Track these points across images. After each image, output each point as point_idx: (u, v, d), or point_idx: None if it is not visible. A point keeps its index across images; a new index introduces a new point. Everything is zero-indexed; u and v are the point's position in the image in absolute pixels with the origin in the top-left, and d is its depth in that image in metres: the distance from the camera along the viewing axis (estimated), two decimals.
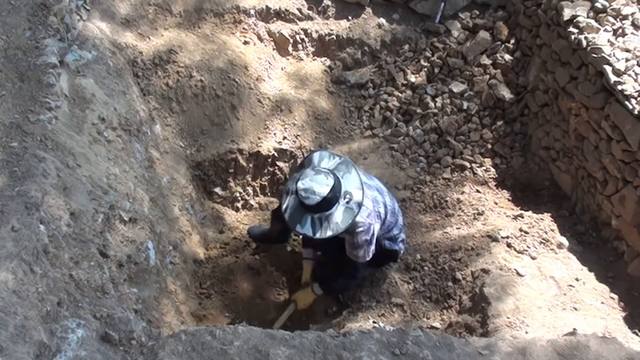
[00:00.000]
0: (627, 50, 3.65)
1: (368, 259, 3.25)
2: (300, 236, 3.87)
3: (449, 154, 4.35)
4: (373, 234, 3.19)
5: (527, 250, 3.46)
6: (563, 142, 4.12)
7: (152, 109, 3.91)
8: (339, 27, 4.81)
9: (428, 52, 4.77)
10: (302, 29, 4.72)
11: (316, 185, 2.92)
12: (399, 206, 3.63)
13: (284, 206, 3.12)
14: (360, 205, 3.03)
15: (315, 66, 4.74)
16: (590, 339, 2.34)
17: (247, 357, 2.02)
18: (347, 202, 3.02)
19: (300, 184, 2.97)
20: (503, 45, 4.63)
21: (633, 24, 3.83)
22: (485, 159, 4.35)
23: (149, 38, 4.12)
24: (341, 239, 3.24)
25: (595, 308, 3.17)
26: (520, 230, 3.59)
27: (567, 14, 3.98)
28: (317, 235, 3.05)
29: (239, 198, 4.19)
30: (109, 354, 1.96)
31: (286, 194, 3.13)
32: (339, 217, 3.01)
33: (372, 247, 3.22)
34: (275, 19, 4.66)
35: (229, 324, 3.27)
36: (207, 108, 4.09)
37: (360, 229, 3.09)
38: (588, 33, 3.82)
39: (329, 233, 3.01)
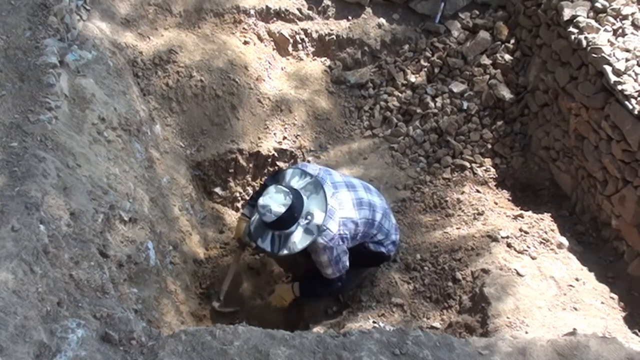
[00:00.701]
0: (627, 50, 3.65)
1: (340, 273, 3.28)
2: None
3: (449, 154, 4.35)
4: (338, 254, 3.20)
5: (527, 250, 3.46)
6: (563, 142, 4.12)
7: (152, 109, 3.91)
8: (339, 27, 4.81)
9: (428, 52, 4.77)
10: (302, 29, 4.72)
11: (273, 203, 2.99)
12: (388, 208, 3.56)
13: (251, 220, 3.22)
14: (319, 227, 3.06)
15: (315, 66, 4.74)
16: (590, 339, 2.34)
17: (247, 357, 2.02)
18: (308, 223, 3.06)
19: (260, 200, 3.05)
20: (503, 45, 4.63)
21: (633, 24, 3.83)
22: (485, 159, 4.35)
23: (149, 38, 4.12)
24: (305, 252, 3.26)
25: (595, 308, 3.17)
26: (520, 230, 3.59)
27: (567, 14, 3.98)
28: (275, 252, 3.13)
29: (239, 198, 4.19)
30: (109, 354, 1.96)
31: (255, 207, 3.17)
32: (297, 237, 3.06)
33: (341, 264, 3.24)
34: (275, 19, 4.67)
35: (229, 324, 3.28)
36: (207, 108, 4.09)
37: (325, 250, 3.13)
38: (588, 33, 3.82)
39: (285, 252, 3.08)
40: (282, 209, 2.98)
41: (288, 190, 3.05)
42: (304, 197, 3.10)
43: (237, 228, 3.54)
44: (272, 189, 3.08)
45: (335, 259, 3.19)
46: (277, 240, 3.09)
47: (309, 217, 3.06)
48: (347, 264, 3.28)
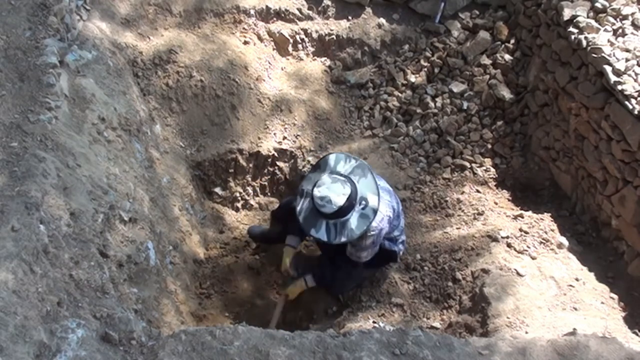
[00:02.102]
0: (627, 50, 3.65)
1: (367, 259, 3.27)
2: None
3: (449, 154, 4.35)
4: (380, 238, 3.19)
5: (527, 250, 3.46)
6: (563, 142, 4.12)
7: (152, 109, 3.91)
8: (339, 27, 4.81)
9: (428, 52, 4.77)
10: (302, 29, 4.72)
11: (333, 194, 2.91)
12: (401, 209, 3.61)
13: (298, 208, 3.10)
14: (375, 211, 3.00)
15: (315, 66, 4.74)
16: (590, 339, 2.34)
17: (247, 357, 2.02)
18: (363, 208, 2.99)
19: (316, 192, 2.95)
20: (503, 45, 4.63)
21: (633, 24, 3.83)
22: (485, 159, 4.35)
23: (149, 38, 4.12)
24: None
25: (595, 308, 3.17)
26: (520, 230, 3.59)
27: (567, 14, 3.98)
28: (332, 241, 3.03)
29: (239, 198, 4.19)
30: (109, 354, 1.96)
31: (300, 196, 3.10)
32: (354, 223, 2.99)
33: (376, 248, 3.23)
34: (275, 19, 4.67)
35: (229, 324, 3.28)
36: (207, 108, 4.09)
37: (372, 232, 3.08)
38: (588, 33, 3.82)
39: (343, 239, 3.01)
40: (343, 199, 2.91)
41: (344, 179, 2.98)
42: (355, 182, 3.03)
43: (285, 260, 3.47)
44: (327, 179, 2.98)
45: (376, 242, 3.15)
46: (332, 228, 3.00)
47: (363, 202, 2.99)
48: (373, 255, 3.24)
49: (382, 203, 3.10)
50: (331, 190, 2.92)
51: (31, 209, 2.18)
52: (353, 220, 2.99)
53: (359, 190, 3.02)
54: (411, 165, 4.34)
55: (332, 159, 3.17)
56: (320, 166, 3.19)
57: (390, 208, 3.25)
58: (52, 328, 1.92)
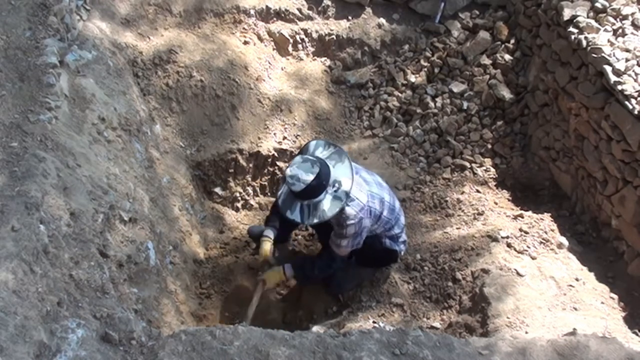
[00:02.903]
0: (627, 50, 3.65)
1: (347, 252, 3.28)
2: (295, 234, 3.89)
3: (449, 154, 4.35)
4: (362, 229, 3.20)
5: (527, 250, 3.46)
6: (563, 142, 4.12)
7: (152, 109, 3.91)
8: (339, 27, 4.81)
9: (428, 52, 4.77)
10: (302, 29, 4.72)
11: (302, 172, 3.00)
12: (400, 207, 3.62)
13: (279, 193, 3.23)
14: (347, 194, 3.06)
15: (315, 66, 4.74)
16: (590, 339, 2.34)
17: (247, 357, 2.02)
18: (336, 191, 3.07)
19: (287, 171, 3.07)
20: (503, 45, 4.63)
21: (633, 24, 3.83)
22: (485, 159, 4.35)
23: (149, 38, 4.12)
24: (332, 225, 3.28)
25: (595, 308, 3.17)
26: (520, 230, 3.59)
27: (567, 14, 3.98)
28: (305, 222, 3.14)
29: (239, 198, 4.19)
30: (109, 354, 1.96)
31: (282, 182, 3.21)
32: (326, 205, 3.07)
33: (358, 240, 3.24)
34: (275, 19, 4.67)
35: (229, 324, 3.27)
36: (207, 108, 4.09)
37: (351, 221, 3.12)
38: (588, 33, 3.82)
39: (316, 220, 3.08)
40: (311, 177, 2.98)
41: (315, 159, 3.06)
42: (330, 166, 3.11)
43: (263, 249, 3.50)
44: (298, 159, 3.09)
45: (357, 232, 3.18)
46: (306, 209, 3.09)
47: (336, 184, 3.07)
48: (362, 243, 3.27)
49: (362, 192, 3.16)
50: (300, 169, 3.01)
51: (31, 209, 2.18)
52: (326, 202, 3.06)
53: (333, 174, 3.09)
54: (411, 165, 4.34)
55: (312, 144, 3.29)
56: (302, 152, 3.30)
57: (377, 200, 3.26)
58: (52, 328, 1.92)
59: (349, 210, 3.09)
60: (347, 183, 3.08)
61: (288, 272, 3.41)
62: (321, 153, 3.20)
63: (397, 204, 3.51)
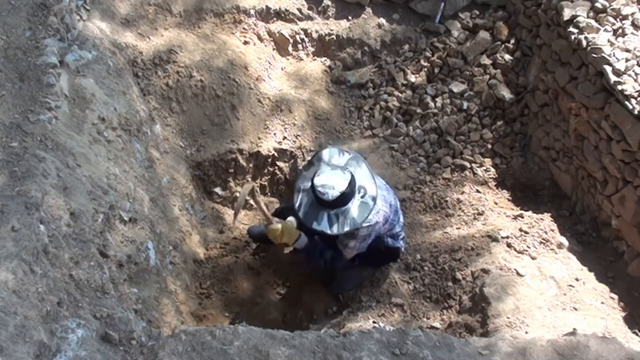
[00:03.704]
0: (627, 50, 3.65)
1: (352, 254, 3.25)
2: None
3: (449, 154, 4.35)
4: (373, 233, 3.19)
5: (527, 250, 3.46)
6: (563, 142, 4.12)
7: (152, 109, 3.91)
8: (339, 27, 4.81)
9: (428, 52, 4.77)
10: (302, 29, 4.72)
11: (334, 179, 2.93)
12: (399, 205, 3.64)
13: (296, 204, 3.10)
14: (374, 199, 3.03)
15: (315, 66, 4.74)
16: (590, 339, 2.34)
17: (247, 357, 2.02)
18: (362, 197, 3.02)
19: (317, 181, 2.96)
20: (503, 45, 4.63)
21: (633, 24, 3.83)
22: (485, 159, 4.35)
23: (149, 38, 4.12)
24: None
25: (595, 308, 3.17)
26: (520, 230, 3.59)
27: (567, 14, 3.98)
28: (335, 232, 3.03)
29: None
30: (109, 354, 1.96)
31: (297, 192, 3.11)
32: (355, 211, 3.01)
33: (364, 245, 3.23)
34: (275, 19, 4.67)
35: (229, 324, 3.27)
36: (207, 108, 4.09)
37: (367, 224, 3.08)
38: (588, 33, 3.82)
39: (347, 228, 3.00)
40: (345, 184, 2.92)
41: (343, 167, 3.00)
42: (352, 173, 3.05)
43: (289, 232, 3.23)
44: (325, 167, 3.01)
45: (367, 235, 3.15)
46: (334, 219, 3.00)
47: (362, 190, 3.02)
48: (366, 247, 3.24)
49: (379, 198, 3.12)
50: (332, 177, 2.94)
51: (31, 209, 2.18)
52: (354, 208, 3.00)
53: (357, 179, 3.05)
54: (411, 165, 4.34)
55: (325, 153, 3.19)
56: (314, 163, 3.21)
57: (387, 203, 3.26)
58: (52, 328, 1.92)
59: (371, 215, 3.06)
60: (372, 188, 3.04)
61: (300, 241, 3.25)
62: (337, 160, 3.13)
63: (398, 203, 3.52)
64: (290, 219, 3.39)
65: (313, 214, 3.03)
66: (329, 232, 3.01)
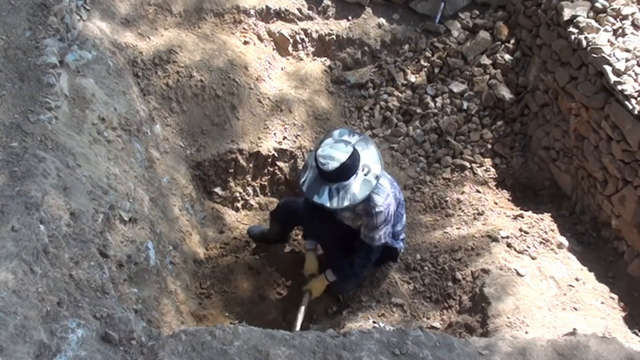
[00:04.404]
0: (627, 50, 3.65)
1: (384, 241, 3.26)
2: (301, 235, 3.89)
3: (449, 154, 4.35)
4: (391, 215, 3.20)
5: (527, 250, 3.46)
6: (563, 142, 4.12)
7: (152, 109, 3.91)
8: (339, 27, 4.81)
9: (428, 52, 4.77)
10: (302, 29, 4.72)
11: (335, 152, 2.96)
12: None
13: (302, 180, 3.13)
14: (378, 178, 3.04)
15: (315, 66, 4.74)
16: (590, 339, 2.34)
17: (247, 357, 2.02)
18: (365, 174, 3.03)
19: (319, 151, 3.00)
20: (503, 45, 4.63)
21: (633, 24, 3.83)
22: (485, 159, 4.35)
23: (149, 38, 4.12)
24: (344, 225, 3.27)
25: (595, 308, 3.17)
26: (520, 230, 3.59)
27: (567, 14, 3.98)
28: (334, 205, 3.02)
29: (239, 198, 4.19)
30: (109, 354, 1.96)
31: (304, 169, 3.15)
32: (356, 188, 3.01)
33: (390, 227, 3.23)
34: (275, 19, 4.67)
35: (229, 324, 3.27)
36: (207, 108, 4.09)
37: (380, 209, 3.09)
38: (588, 33, 3.82)
39: (346, 203, 3.00)
40: (345, 156, 2.94)
41: (347, 141, 3.03)
42: (358, 151, 3.07)
43: (309, 264, 3.50)
44: (329, 140, 3.05)
45: (387, 220, 3.16)
46: (334, 193, 3.01)
47: (366, 168, 3.03)
48: (388, 236, 3.25)
49: (385, 180, 3.15)
50: (334, 149, 2.97)
51: (31, 209, 2.18)
52: (356, 185, 3.01)
53: (362, 158, 3.06)
54: (411, 165, 4.34)
55: (336, 132, 3.22)
56: (324, 141, 3.22)
57: (393, 190, 3.26)
58: (52, 328, 1.92)
59: (377, 197, 3.07)
60: (377, 167, 3.05)
61: (330, 277, 3.40)
62: (347, 139, 3.14)
63: (401, 196, 3.52)
64: (310, 262, 3.52)
65: (315, 188, 3.05)
66: (327, 204, 3.01)
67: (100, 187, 2.70)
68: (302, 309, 3.36)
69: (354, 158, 2.99)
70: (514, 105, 4.47)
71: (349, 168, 2.97)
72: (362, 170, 3.03)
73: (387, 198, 3.12)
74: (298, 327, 3.26)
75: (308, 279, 3.50)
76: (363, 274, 3.46)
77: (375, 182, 3.02)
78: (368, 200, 3.05)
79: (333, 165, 2.94)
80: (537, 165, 4.33)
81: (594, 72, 3.72)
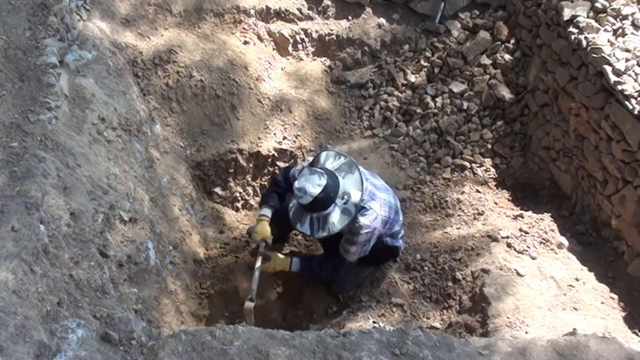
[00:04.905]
0: (627, 50, 3.65)
1: (355, 258, 3.28)
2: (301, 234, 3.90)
3: (449, 154, 4.35)
4: (372, 238, 3.22)
5: (527, 250, 3.46)
6: (563, 142, 4.12)
7: (152, 109, 3.91)
8: (339, 27, 4.81)
9: (428, 52, 4.77)
10: (302, 29, 4.72)
11: (309, 185, 2.99)
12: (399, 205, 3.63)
13: (290, 205, 3.22)
14: (357, 206, 3.06)
15: (315, 66, 4.74)
16: (590, 339, 2.34)
17: (247, 357, 2.02)
18: (345, 203, 3.07)
19: (295, 183, 3.06)
20: (503, 45, 4.64)
21: (633, 24, 3.84)
22: (485, 159, 4.35)
23: (149, 38, 4.12)
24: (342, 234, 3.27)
25: (595, 308, 3.17)
26: (520, 230, 3.59)
27: (567, 14, 3.99)
28: (315, 235, 3.14)
29: (239, 198, 4.19)
30: (109, 354, 1.96)
31: (292, 193, 3.19)
32: (335, 217, 3.07)
33: (367, 247, 3.25)
34: (275, 19, 4.67)
35: (229, 324, 3.27)
36: (207, 108, 4.09)
37: (365, 230, 3.13)
38: (588, 33, 3.82)
39: (324, 234, 3.09)
40: (317, 190, 2.98)
41: (322, 171, 3.06)
42: (340, 177, 3.10)
43: (262, 229, 3.41)
44: (306, 171, 3.09)
45: (367, 240, 3.18)
46: (315, 222, 3.09)
47: (345, 196, 3.07)
48: (369, 250, 3.27)
49: (376, 202, 3.16)
50: (307, 182, 3.01)
51: (31, 209, 2.18)
52: (335, 214, 3.07)
53: (342, 186, 3.09)
54: (411, 165, 4.34)
55: (322, 155, 3.27)
56: (313, 163, 3.29)
57: (387, 207, 3.27)
58: (52, 328, 1.92)
59: (364, 220, 3.10)
60: (357, 195, 3.07)
61: (294, 267, 3.42)
62: (331, 164, 3.20)
63: (398, 203, 3.53)
64: (262, 227, 3.41)
65: (298, 216, 3.15)
66: (308, 233, 3.13)
67: (100, 187, 2.70)
68: (257, 273, 3.31)
69: (329, 190, 3.01)
70: (514, 105, 4.47)
71: (323, 201, 3.02)
72: (342, 198, 3.07)
73: (374, 220, 3.13)
74: (255, 291, 3.27)
75: (259, 242, 3.41)
76: (325, 280, 3.45)
77: (354, 211, 3.05)
78: (354, 221, 3.09)
79: (307, 199, 3.00)
80: (537, 165, 4.33)
81: (594, 72, 3.72)
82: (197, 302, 3.46)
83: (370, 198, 3.15)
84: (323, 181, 3.00)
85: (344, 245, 3.25)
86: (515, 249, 3.45)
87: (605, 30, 3.84)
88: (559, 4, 4.07)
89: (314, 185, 2.98)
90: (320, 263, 3.44)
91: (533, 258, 3.42)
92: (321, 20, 4.81)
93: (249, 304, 3.28)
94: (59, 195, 2.37)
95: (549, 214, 3.82)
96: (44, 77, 2.77)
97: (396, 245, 3.48)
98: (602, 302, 3.25)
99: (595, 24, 3.87)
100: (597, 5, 3.97)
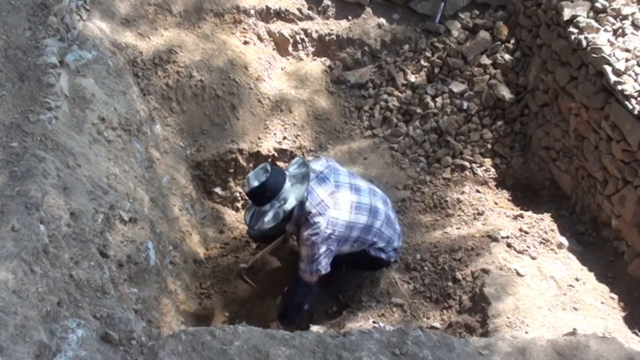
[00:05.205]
0: (627, 50, 3.65)
1: (309, 277, 3.24)
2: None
3: (449, 154, 4.35)
4: (319, 253, 3.15)
5: (527, 250, 3.46)
6: (563, 142, 4.12)
7: (152, 109, 3.91)
8: (339, 27, 4.81)
9: (428, 52, 4.77)
10: (302, 29, 4.72)
11: (252, 177, 3.15)
12: (393, 215, 3.52)
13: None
14: (286, 213, 3.10)
15: (315, 66, 4.74)
16: (590, 339, 2.34)
17: (247, 357, 2.02)
18: (279, 207, 3.12)
19: (249, 174, 3.22)
20: (503, 45, 4.63)
21: (633, 24, 3.83)
22: (485, 159, 4.35)
23: (149, 38, 4.12)
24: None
25: (595, 308, 3.17)
26: (520, 230, 3.59)
27: (567, 14, 3.98)
28: (251, 227, 3.28)
29: (239, 198, 4.19)
30: (109, 354, 1.96)
31: None
32: (268, 216, 3.15)
33: (316, 265, 3.19)
34: (275, 19, 4.67)
35: (229, 324, 3.27)
36: (207, 108, 4.09)
37: (305, 241, 3.15)
38: (588, 33, 3.82)
39: (255, 227, 3.20)
40: (255, 183, 3.11)
41: (268, 170, 3.15)
42: (288, 183, 3.15)
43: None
44: (261, 165, 3.24)
45: (313, 257, 3.16)
46: (255, 215, 3.19)
47: (282, 201, 3.12)
48: (323, 270, 3.21)
49: (322, 218, 3.11)
50: (253, 174, 3.17)
51: (31, 209, 2.18)
52: (269, 214, 3.15)
53: (284, 190, 3.12)
54: (411, 165, 4.34)
55: (295, 160, 3.44)
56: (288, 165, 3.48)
57: (342, 227, 3.18)
58: (52, 328, 1.92)
59: (306, 232, 3.13)
60: (291, 203, 3.11)
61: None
62: (292, 169, 3.30)
63: (381, 220, 3.34)
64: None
65: (251, 205, 3.29)
66: (247, 223, 3.26)
67: (100, 187, 2.70)
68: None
69: (266, 188, 3.09)
70: (514, 105, 4.47)
71: (258, 195, 3.12)
72: (279, 201, 3.12)
73: (315, 236, 3.10)
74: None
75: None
76: (298, 312, 3.39)
77: (282, 215, 3.10)
78: (298, 232, 3.19)
79: (246, 189, 3.18)
80: (537, 165, 4.33)
81: (594, 72, 3.71)
82: (197, 302, 3.46)
83: (319, 213, 3.11)
84: (263, 178, 3.11)
85: (299, 263, 3.27)
86: (515, 249, 3.45)
87: (605, 30, 3.84)
88: (559, 4, 4.07)
89: (253, 179, 3.12)
90: (286, 309, 3.40)
91: (533, 258, 3.41)
92: (321, 20, 4.81)
93: (242, 266, 3.46)
94: (59, 195, 2.37)
95: (549, 214, 3.82)
96: (44, 77, 2.77)
97: (380, 256, 3.41)
98: (602, 302, 3.25)
99: (595, 24, 3.86)
100: (597, 5, 3.97)
